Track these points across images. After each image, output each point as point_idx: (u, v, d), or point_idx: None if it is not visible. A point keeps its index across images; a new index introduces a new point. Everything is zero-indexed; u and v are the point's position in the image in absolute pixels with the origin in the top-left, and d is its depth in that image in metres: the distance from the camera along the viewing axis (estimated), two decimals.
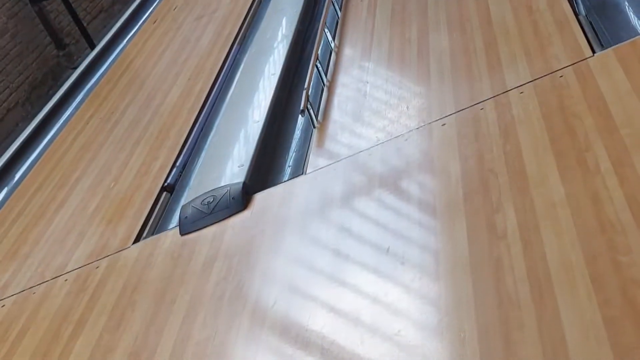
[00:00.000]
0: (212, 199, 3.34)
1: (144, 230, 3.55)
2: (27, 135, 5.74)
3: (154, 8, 7.17)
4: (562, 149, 2.58)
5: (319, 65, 4.13)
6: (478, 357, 1.99)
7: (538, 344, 1.92)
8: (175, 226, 3.39)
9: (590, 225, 2.21)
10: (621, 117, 2.58)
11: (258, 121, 3.97)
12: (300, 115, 3.81)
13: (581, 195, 2.34)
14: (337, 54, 4.30)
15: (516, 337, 1.97)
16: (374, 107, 3.55)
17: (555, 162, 2.53)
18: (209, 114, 4.56)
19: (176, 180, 3.96)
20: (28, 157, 5.38)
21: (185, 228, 3.30)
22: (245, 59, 5.09)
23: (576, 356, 1.84)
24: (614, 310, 1.90)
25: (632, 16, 3.27)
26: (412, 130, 3.14)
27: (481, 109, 3.02)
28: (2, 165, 5.39)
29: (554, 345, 1.90)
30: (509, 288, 2.13)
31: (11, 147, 5.70)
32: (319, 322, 2.42)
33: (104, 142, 4.76)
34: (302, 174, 3.33)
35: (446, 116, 3.11)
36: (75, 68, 7.28)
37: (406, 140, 3.10)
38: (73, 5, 10.30)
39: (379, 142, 3.21)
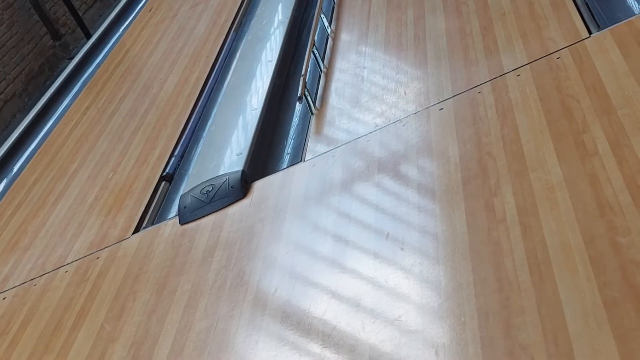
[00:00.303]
0: (211, 188, 3.34)
1: (144, 220, 3.56)
2: (25, 126, 5.74)
3: None
4: (560, 131, 2.58)
5: (315, 51, 4.12)
6: (479, 342, 1.99)
7: (539, 327, 1.92)
8: (175, 215, 3.39)
9: (589, 208, 2.21)
10: (618, 98, 2.58)
11: (256, 109, 3.97)
12: (297, 102, 3.81)
13: (579, 177, 2.34)
14: (334, 40, 4.29)
15: (517, 321, 1.97)
16: (372, 92, 3.54)
17: (553, 145, 2.53)
18: (206, 102, 4.56)
19: (175, 170, 3.95)
20: (26, 149, 5.38)
21: (185, 217, 3.30)
22: (241, 47, 5.08)
23: (577, 339, 1.85)
24: (614, 292, 1.91)
25: None
26: (410, 115, 3.14)
27: (478, 93, 3.01)
28: (0, 158, 5.39)
29: (555, 328, 1.90)
30: (508, 272, 2.14)
31: (9, 139, 5.70)
32: (320, 309, 2.43)
33: (101, 133, 4.76)
34: (301, 161, 3.33)
35: (444, 100, 3.11)
36: (72, 58, 7.28)
37: (404, 125, 3.10)
38: None
39: (378, 127, 3.20)
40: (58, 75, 6.69)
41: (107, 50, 6.51)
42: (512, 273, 2.12)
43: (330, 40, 4.31)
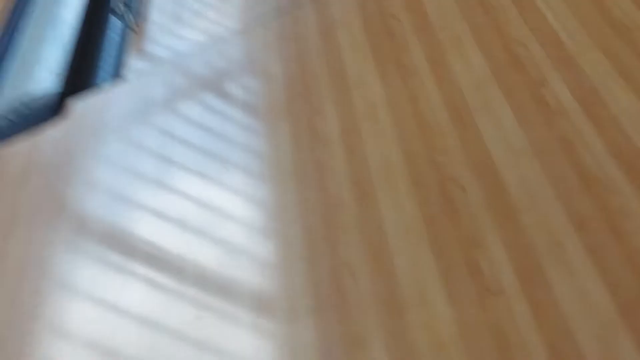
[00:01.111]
0: (24, 109, 3.18)
1: None
2: None
3: None
4: (381, 50, 2.61)
5: None
6: (304, 260, 2.02)
7: (361, 245, 1.97)
8: None
9: (409, 126, 2.26)
10: (437, 17, 2.62)
11: (71, 24, 3.77)
12: (116, 17, 3.66)
13: (400, 96, 2.38)
14: None
15: (341, 238, 2.02)
16: (195, 7, 3.45)
17: (375, 63, 2.56)
18: (19, 16, 4.29)
19: None
20: None
21: None
22: None
23: (397, 254, 1.91)
24: (433, 209, 1.98)
25: None
26: (233, 33, 3.08)
27: (301, 11, 2.99)
28: None
29: (377, 244, 1.95)
30: (332, 190, 2.17)
31: None
32: (146, 229, 2.38)
33: None
34: (120, 79, 3.21)
35: (267, 17, 3.06)
36: None
37: (228, 42, 3.04)
38: None
39: (201, 44, 3.13)
40: None
41: None
42: (336, 192, 2.16)
43: None
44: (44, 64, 3.54)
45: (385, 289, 1.85)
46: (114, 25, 3.79)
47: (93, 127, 2.95)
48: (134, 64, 3.25)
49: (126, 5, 3.54)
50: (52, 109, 3.11)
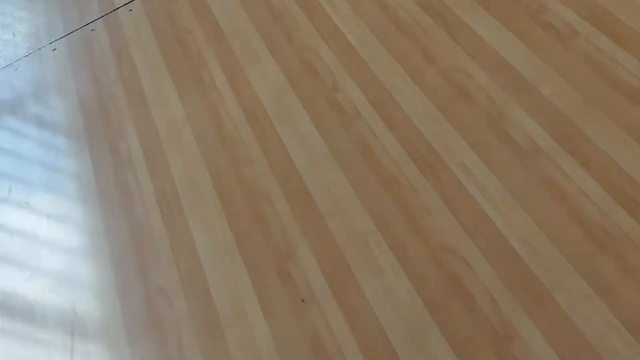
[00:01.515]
0: None
1: None
2: None
3: None
4: (178, 67, 2.58)
5: None
6: (117, 287, 1.98)
7: (173, 267, 1.95)
8: None
9: (212, 142, 2.26)
10: (229, 27, 2.63)
11: None
12: None
13: (200, 111, 2.37)
14: None
15: (152, 264, 1.99)
16: None
17: (172, 80, 2.54)
18: None
19: None
20: None
21: None
22: None
23: (211, 272, 1.90)
24: (242, 224, 1.98)
25: None
26: (21, 59, 2.96)
27: (92, 30, 2.92)
28: None
29: (188, 266, 1.94)
30: (139, 215, 2.13)
31: None
32: None
33: None
34: None
35: (56, 40, 2.96)
36: None
37: (16, 70, 2.92)
38: None
39: None
40: None
41: None
42: (143, 216, 2.12)
43: None
44: None
45: (202, 310, 1.84)
46: None
47: None
48: None
49: None
50: None
